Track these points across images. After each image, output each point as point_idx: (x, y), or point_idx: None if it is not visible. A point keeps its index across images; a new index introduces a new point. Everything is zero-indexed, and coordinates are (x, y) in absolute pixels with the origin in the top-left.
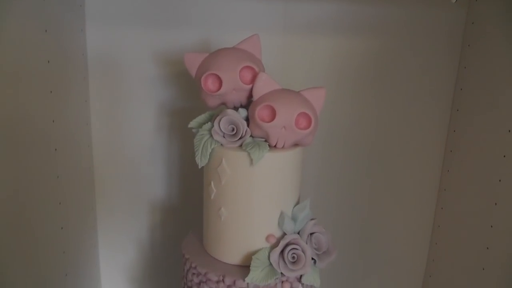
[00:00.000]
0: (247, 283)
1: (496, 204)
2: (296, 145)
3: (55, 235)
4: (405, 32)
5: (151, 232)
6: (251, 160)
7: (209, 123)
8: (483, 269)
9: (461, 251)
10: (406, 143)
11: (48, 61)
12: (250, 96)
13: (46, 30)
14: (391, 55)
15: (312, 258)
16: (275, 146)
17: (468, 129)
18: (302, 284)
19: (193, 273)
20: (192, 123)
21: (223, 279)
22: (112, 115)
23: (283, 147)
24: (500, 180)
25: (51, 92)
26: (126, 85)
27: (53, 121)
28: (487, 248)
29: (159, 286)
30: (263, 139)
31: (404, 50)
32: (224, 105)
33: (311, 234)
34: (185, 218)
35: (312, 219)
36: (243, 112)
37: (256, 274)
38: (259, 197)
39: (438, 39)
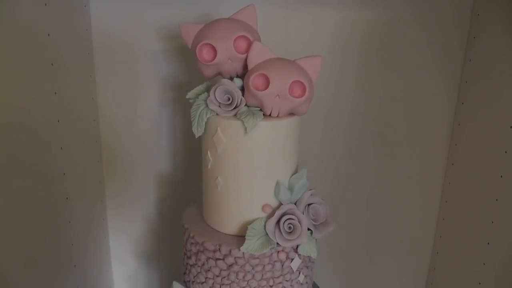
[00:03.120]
0: (243, 253)
1: (501, 176)
2: (291, 114)
3: (61, 207)
4: (411, 3)
5: (158, 205)
6: (245, 128)
7: (205, 93)
8: (488, 243)
9: (468, 227)
10: (412, 116)
11: (48, 35)
12: (246, 66)
13: (45, 4)
14: (396, 27)
15: (309, 229)
16: (270, 115)
17: (477, 101)
18: (299, 255)
19: (192, 243)
20: (190, 94)
21: (219, 248)
22: (117, 90)
23: (278, 115)
24: (506, 152)
25: (52, 64)
26: (131, 60)
27: (55, 93)
28: (492, 222)
29: (166, 259)
30: (258, 108)
31: (410, 23)
32: (220, 75)
33: (309, 204)
34: (191, 190)
35: (310, 190)
36: (238, 81)
37: (251, 244)
38: (255, 166)
39: (446, 11)
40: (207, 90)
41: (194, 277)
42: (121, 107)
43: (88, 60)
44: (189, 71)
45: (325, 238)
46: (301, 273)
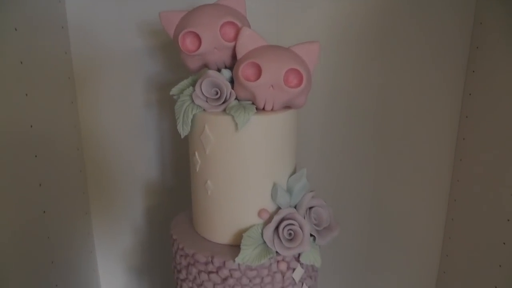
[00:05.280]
0: (238, 264)
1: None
2: (287, 107)
3: (40, 222)
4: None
5: (148, 215)
6: (236, 125)
7: (191, 87)
8: (504, 243)
9: (479, 226)
10: (415, 109)
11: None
12: (234, 55)
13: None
14: (396, 15)
15: (312, 235)
16: (263, 108)
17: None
18: (301, 264)
19: (181, 255)
20: (174, 90)
21: (211, 260)
22: (99, 93)
23: (272, 109)
24: None
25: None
26: (112, 60)
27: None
28: (508, 220)
29: (158, 273)
30: (250, 102)
31: (410, 11)
32: (206, 67)
33: (310, 208)
34: (181, 198)
35: (310, 191)
36: (226, 73)
37: (247, 254)
38: (248, 167)
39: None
40: (193, 84)
41: None
42: (104, 111)
43: (66, 61)
44: (175, 69)
45: (328, 244)
46: (304, 284)
